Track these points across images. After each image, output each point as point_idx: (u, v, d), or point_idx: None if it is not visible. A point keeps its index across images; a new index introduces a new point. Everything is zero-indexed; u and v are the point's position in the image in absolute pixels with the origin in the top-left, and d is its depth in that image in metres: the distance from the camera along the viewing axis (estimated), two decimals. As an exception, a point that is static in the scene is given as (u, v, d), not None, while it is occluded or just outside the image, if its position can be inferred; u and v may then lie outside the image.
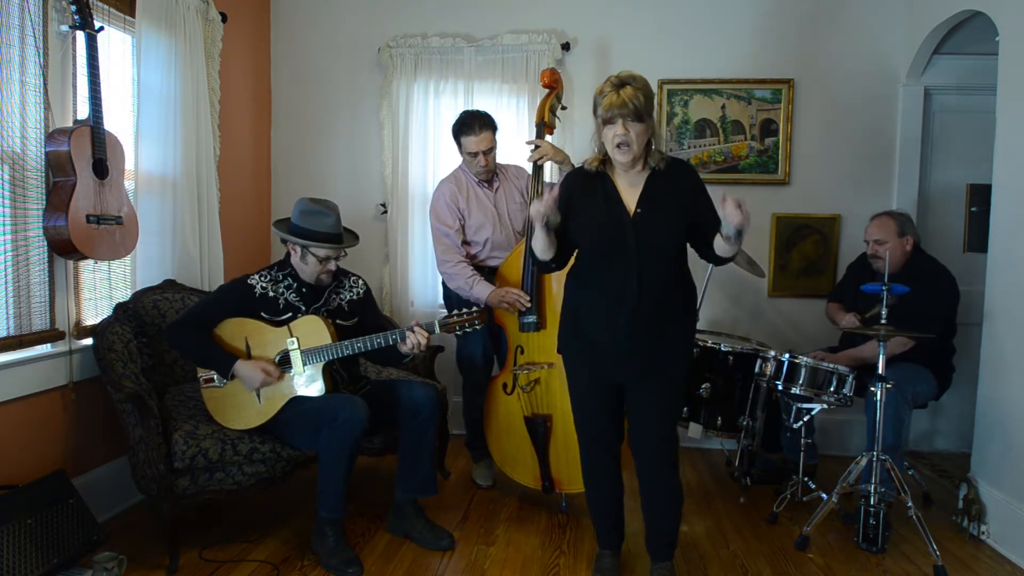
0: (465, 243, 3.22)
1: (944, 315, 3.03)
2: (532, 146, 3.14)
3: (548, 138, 3.21)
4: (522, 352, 2.98)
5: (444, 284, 3.31)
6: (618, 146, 2.12)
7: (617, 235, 2.18)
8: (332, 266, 2.63)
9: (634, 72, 2.16)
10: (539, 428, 2.92)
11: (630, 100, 2.06)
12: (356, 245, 2.75)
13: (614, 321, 2.21)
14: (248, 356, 2.58)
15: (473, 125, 3.10)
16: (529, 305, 2.91)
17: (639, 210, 2.20)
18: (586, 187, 2.27)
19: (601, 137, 2.18)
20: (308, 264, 2.62)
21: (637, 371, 2.24)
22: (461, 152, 3.20)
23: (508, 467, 3.10)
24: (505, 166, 3.37)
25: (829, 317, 3.44)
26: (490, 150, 3.14)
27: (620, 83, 2.10)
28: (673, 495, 2.31)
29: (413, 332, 2.54)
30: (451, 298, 3.26)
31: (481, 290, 3.03)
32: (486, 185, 3.25)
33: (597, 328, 2.25)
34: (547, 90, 3.28)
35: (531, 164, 3.14)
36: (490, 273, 3.17)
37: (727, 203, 2.01)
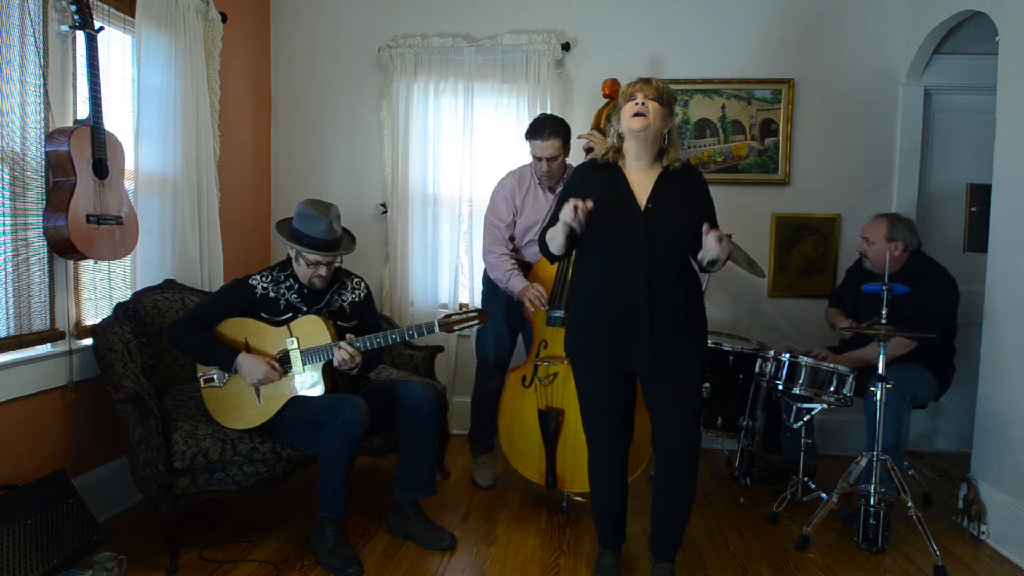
0: (511, 238, 3.25)
1: (944, 315, 3.03)
2: (586, 139, 3.20)
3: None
4: (546, 346, 3.01)
5: (484, 273, 3.38)
6: (635, 115, 2.17)
7: (627, 230, 2.20)
8: (323, 271, 2.63)
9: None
10: (551, 422, 2.93)
11: (655, 84, 2.20)
12: (350, 253, 2.72)
13: (626, 317, 2.21)
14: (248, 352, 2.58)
15: (542, 131, 3.09)
16: (546, 306, 2.97)
17: (650, 206, 2.22)
18: (597, 179, 2.29)
19: (620, 116, 2.23)
20: (301, 267, 2.62)
21: (652, 368, 2.23)
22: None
23: (514, 459, 3.12)
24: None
25: (828, 321, 3.44)
26: (555, 158, 3.10)
27: (647, 79, 2.23)
28: (688, 497, 2.31)
29: (340, 348, 2.51)
30: (490, 284, 3.34)
31: (516, 284, 3.10)
32: (548, 188, 3.25)
33: (609, 325, 2.25)
34: (607, 99, 3.31)
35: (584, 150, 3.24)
36: (525, 268, 3.21)
37: (710, 235, 2.09)
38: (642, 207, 2.22)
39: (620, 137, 2.28)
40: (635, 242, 2.19)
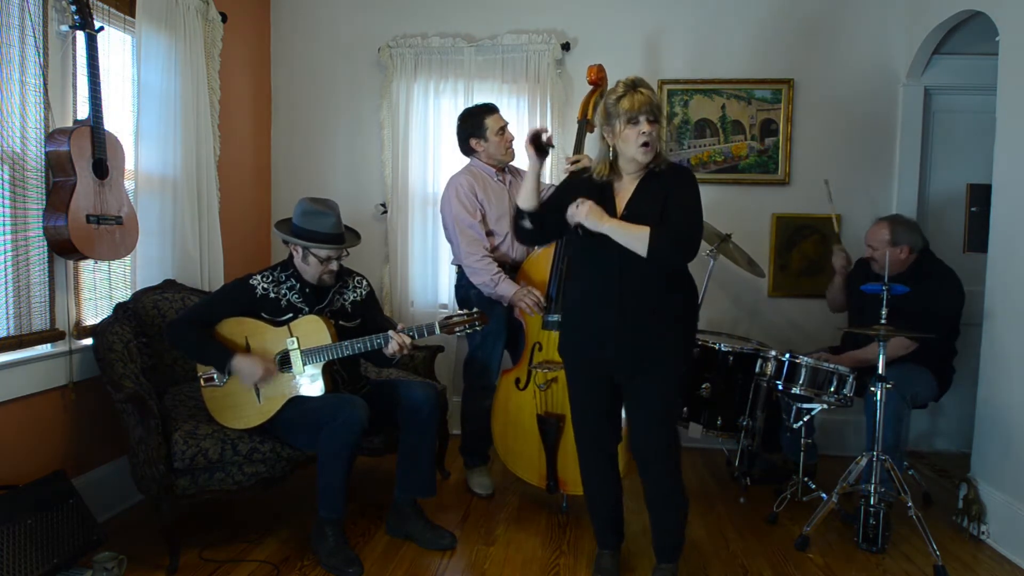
0: (489, 234, 3.16)
1: (947, 316, 3.02)
2: (570, 162, 3.06)
3: (589, 135, 3.16)
4: (540, 349, 2.98)
5: (457, 283, 3.28)
6: (643, 145, 2.14)
7: (601, 236, 2.19)
8: (334, 266, 2.63)
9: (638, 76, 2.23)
10: (551, 428, 2.91)
11: (650, 99, 2.14)
12: (358, 244, 2.74)
13: (600, 322, 2.24)
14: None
15: (491, 105, 3.20)
16: (546, 307, 2.93)
17: (625, 212, 2.22)
18: (587, 191, 2.29)
19: (619, 139, 2.18)
20: (310, 265, 2.62)
21: (627, 372, 2.25)
22: (482, 141, 3.16)
23: (511, 462, 3.09)
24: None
25: (829, 301, 3.49)
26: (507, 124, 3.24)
27: (634, 85, 2.16)
28: (673, 497, 2.31)
29: (392, 339, 2.52)
30: (468, 299, 3.18)
31: (505, 288, 3.00)
32: (499, 176, 3.23)
33: (587, 329, 2.29)
34: (592, 86, 3.23)
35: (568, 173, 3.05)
36: (511, 269, 3.14)
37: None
38: (618, 214, 2.22)
39: (613, 150, 2.23)
40: (609, 250, 2.18)
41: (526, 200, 2.35)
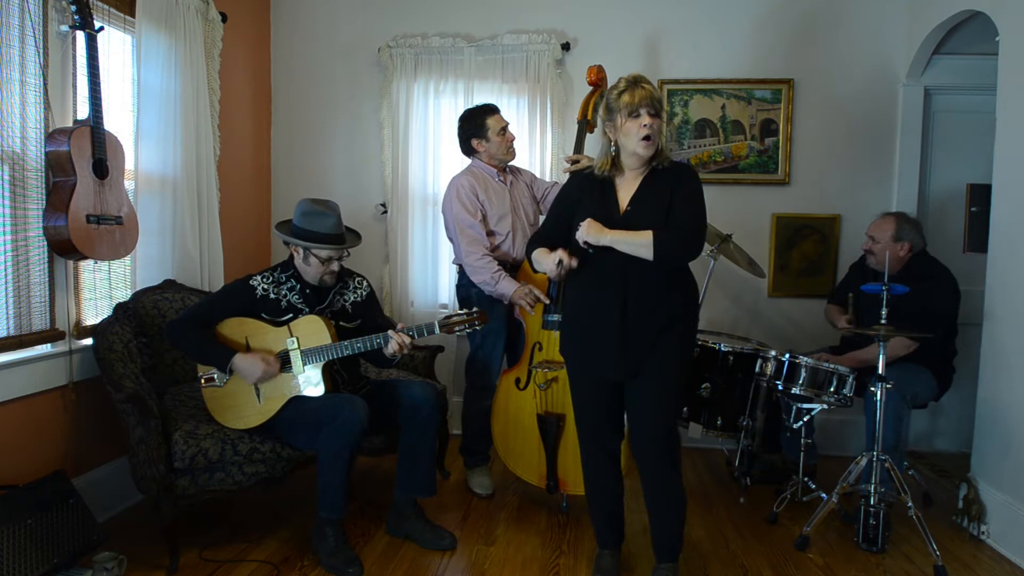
0: (489, 234, 3.16)
1: (945, 315, 3.03)
2: (570, 162, 3.09)
3: (589, 136, 3.18)
4: (540, 349, 2.98)
5: (458, 283, 3.28)
6: (644, 139, 2.15)
7: None
8: (335, 267, 2.63)
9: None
10: (551, 427, 2.91)
11: (652, 93, 2.16)
12: (358, 245, 2.74)
13: (603, 320, 2.24)
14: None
15: (492, 106, 3.20)
16: (547, 302, 2.93)
17: (628, 208, 2.22)
18: (588, 188, 2.30)
19: (620, 133, 2.19)
20: (311, 266, 2.62)
21: (629, 370, 2.25)
22: (484, 141, 3.17)
23: (511, 462, 3.09)
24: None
25: (828, 319, 3.44)
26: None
27: (635, 81, 2.18)
28: (674, 496, 2.30)
29: (391, 338, 2.52)
30: (469, 299, 3.17)
31: (506, 286, 3.00)
32: (500, 176, 3.24)
33: (589, 327, 2.29)
34: (592, 87, 3.23)
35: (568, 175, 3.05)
36: (511, 268, 3.14)
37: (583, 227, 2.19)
38: (621, 211, 2.22)
39: (615, 145, 2.24)
40: (610, 250, 2.18)
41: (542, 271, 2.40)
